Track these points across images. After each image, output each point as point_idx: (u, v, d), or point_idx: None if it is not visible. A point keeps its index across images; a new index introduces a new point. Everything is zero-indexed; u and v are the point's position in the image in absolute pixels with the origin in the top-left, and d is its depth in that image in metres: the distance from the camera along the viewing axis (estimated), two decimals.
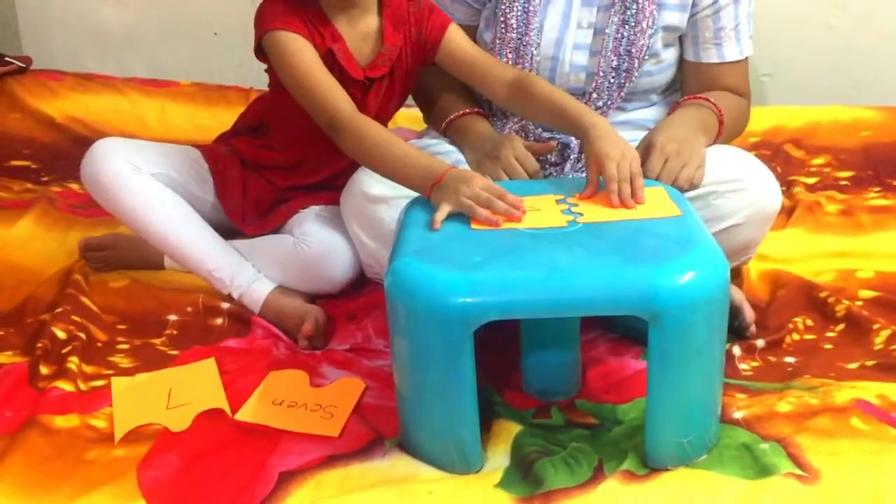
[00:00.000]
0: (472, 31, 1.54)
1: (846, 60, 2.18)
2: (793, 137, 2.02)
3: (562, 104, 1.34)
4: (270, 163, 1.56)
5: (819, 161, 1.96)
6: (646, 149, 1.31)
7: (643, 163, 1.27)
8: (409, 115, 1.98)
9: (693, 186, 1.30)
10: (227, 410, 1.24)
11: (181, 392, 1.27)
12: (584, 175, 1.44)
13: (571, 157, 1.48)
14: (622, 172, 1.20)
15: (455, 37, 1.45)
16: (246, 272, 1.48)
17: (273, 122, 1.55)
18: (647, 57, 1.44)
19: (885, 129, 2.00)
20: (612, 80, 1.44)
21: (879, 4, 2.13)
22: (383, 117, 1.52)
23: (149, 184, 1.46)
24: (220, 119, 2.00)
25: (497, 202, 1.17)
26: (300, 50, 1.35)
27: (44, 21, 2.41)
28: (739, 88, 1.49)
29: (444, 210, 1.17)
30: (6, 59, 2.22)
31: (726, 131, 1.44)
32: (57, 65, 2.29)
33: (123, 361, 1.37)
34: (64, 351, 1.34)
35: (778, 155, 1.97)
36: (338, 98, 1.33)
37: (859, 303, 1.46)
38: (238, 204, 1.55)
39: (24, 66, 2.22)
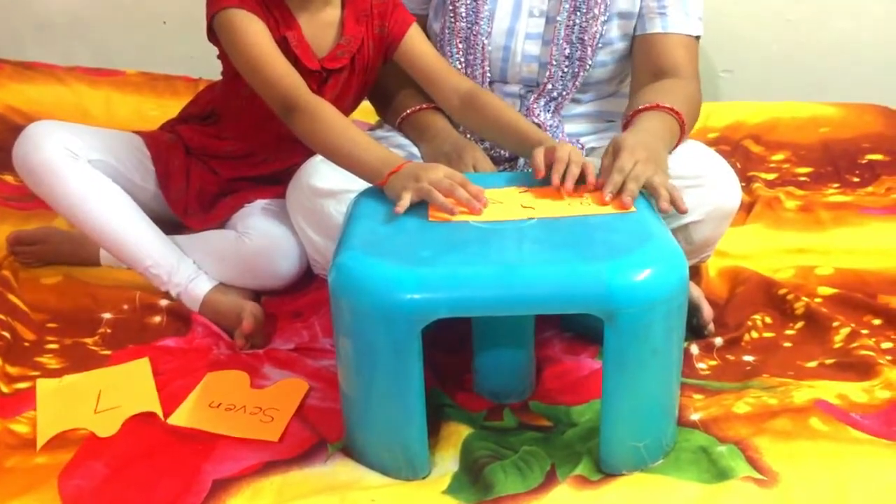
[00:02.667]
0: (422, 21, 1.50)
1: (805, 57, 2.18)
2: (752, 133, 2.01)
3: (514, 122, 1.32)
4: (218, 152, 1.50)
5: (778, 157, 1.96)
6: (614, 152, 1.25)
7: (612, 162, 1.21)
8: (362, 107, 1.94)
9: (677, 205, 1.17)
10: (160, 414, 1.18)
11: (111, 394, 1.21)
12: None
13: None
14: (574, 156, 1.16)
15: (415, 36, 1.43)
16: (185, 269, 1.42)
17: (224, 111, 1.49)
18: (600, 45, 1.41)
19: (843, 126, 2.00)
20: (565, 70, 1.41)
21: (836, 3, 2.13)
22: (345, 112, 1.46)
23: (85, 171, 1.39)
24: (167, 110, 1.93)
25: (459, 190, 1.12)
26: (255, 30, 1.30)
27: None
28: (688, 68, 1.43)
29: (406, 197, 1.11)
30: None
31: (689, 126, 1.40)
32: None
33: (51, 362, 1.31)
34: None
35: (737, 151, 1.97)
36: (294, 77, 1.28)
37: (818, 300, 1.44)
38: (181, 194, 1.49)
39: None
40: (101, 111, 2.07)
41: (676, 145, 1.33)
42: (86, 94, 2.10)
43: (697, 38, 1.45)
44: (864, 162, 1.92)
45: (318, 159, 1.35)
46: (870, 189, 1.84)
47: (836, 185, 1.86)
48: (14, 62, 2.15)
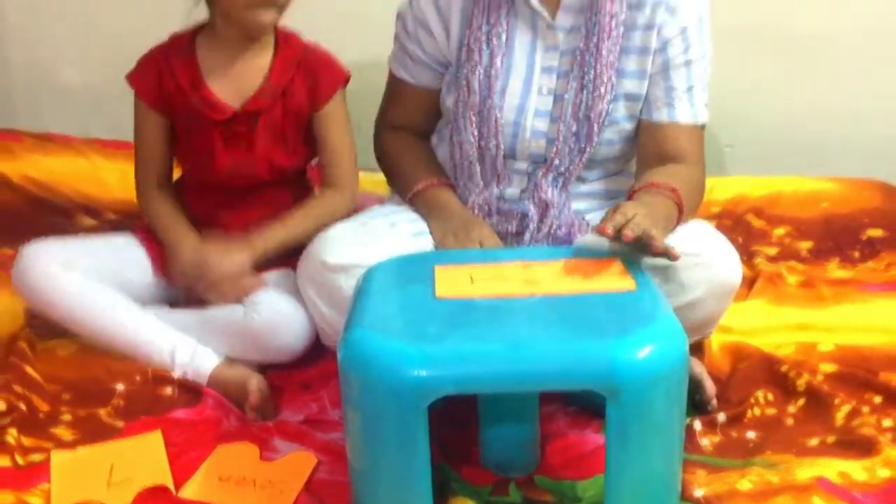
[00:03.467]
0: (434, 96, 1.55)
1: (806, 132, 2.20)
2: (754, 207, 2.03)
3: None
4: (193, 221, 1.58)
5: (780, 231, 1.97)
6: (615, 209, 1.27)
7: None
8: (373, 180, 1.97)
9: (670, 253, 1.22)
10: (171, 487, 1.20)
11: (124, 467, 1.23)
12: (544, 245, 1.47)
13: (531, 226, 1.48)
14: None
15: (338, 108, 1.55)
16: (187, 348, 1.45)
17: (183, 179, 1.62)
18: (606, 123, 1.44)
19: (843, 201, 2.01)
20: (572, 146, 1.44)
21: (835, 81, 2.18)
22: (278, 160, 1.54)
23: (77, 280, 1.45)
24: None
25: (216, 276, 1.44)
26: (141, 118, 1.55)
27: (6, 80, 2.39)
28: (693, 154, 1.47)
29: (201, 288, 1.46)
30: None
31: (691, 208, 1.41)
32: (19, 124, 2.27)
33: (65, 434, 1.32)
34: (3, 423, 1.29)
35: (739, 225, 1.98)
36: (149, 174, 1.56)
37: (820, 377, 1.45)
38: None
39: None
40: (116, 182, 2.10)
41: (674, 227, 1.35)
42: (102, 165, 2.13)
43: (703, 125, 1.49)
44: (864, 237, 1.93)
45: (329, 234, 1.40)
46: (870, 264, 1.85)
47: (837, 259, 1.88)
48: (33, 133, 2.19)
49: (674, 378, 1.06)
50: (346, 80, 1.55)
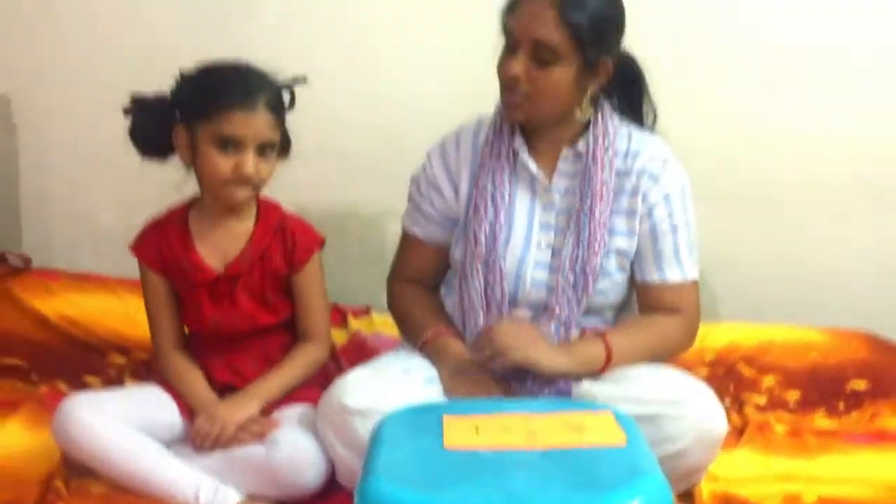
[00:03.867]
0: (443, 252, 1.69)
1: (797, 282, 2.32)
2: (746, 356, 2.08)
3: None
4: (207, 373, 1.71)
5: (769, 381, 2.01)
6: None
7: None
8: (386, 322, 2.07)
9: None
10: None
11: None
12: (545, 391, 1.56)
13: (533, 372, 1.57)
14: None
15: (311, 272, 1.69)
16: (210, 486, 1.52)
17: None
18: (600, 276, 1.58)
19: (829, 352, 2.07)
20: (570, 296, 1.57)
21: (825, 240, 2.32)
22: (259, 316, 1.69)
23: (111, 429, 1.56)
24: None
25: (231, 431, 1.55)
26: (146, 282, 1.70)
27: (48, 223, 2.54)
28: (685, 307, 1.60)
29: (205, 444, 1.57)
30: (6, 259, 2.32)
31: (650, 353, 1.55)
32: (56, 263, 2.39)
33: None
34: None
35: (731, 374, 2.03)
36: (162, 335, 1.70)
37: None
38: None
39: (21, 266, 2.31)
40: (146, 321, 2.16)
41: (604, 368, 1.49)
42: (135, 304, 2.13)
43: (694, 279, 1.61)
44: (848, 389, 1.97)
45: (349, 379, 1.50)
46: (854, 416, 1.90)
47: (823, 410, 1.92)
48: (69, 273, 2.30)
49: None
50: (321, 245, 1.71)
